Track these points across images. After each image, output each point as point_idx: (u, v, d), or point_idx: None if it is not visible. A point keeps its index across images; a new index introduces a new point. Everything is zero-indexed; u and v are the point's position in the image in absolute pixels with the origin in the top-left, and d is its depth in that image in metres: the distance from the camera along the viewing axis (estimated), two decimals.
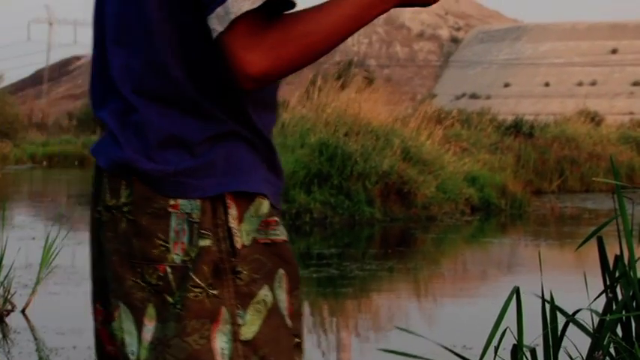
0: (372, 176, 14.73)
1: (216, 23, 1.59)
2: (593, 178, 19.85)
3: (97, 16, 1.79)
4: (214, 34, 1.59)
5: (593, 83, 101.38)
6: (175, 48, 1.67)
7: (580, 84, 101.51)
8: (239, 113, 1.70)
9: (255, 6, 1.59)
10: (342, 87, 17.25)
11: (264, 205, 1.70)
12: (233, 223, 1.67)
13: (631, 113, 79.46)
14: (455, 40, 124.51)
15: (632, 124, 33.78)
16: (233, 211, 1.68)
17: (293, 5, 1.64)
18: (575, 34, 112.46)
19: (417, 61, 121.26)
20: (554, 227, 15.08)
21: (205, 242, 1.66)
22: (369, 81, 19.79)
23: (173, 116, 1.68)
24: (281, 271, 1.71)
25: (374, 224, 14.31)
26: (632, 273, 3.71)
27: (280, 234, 1.72)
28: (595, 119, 31.41)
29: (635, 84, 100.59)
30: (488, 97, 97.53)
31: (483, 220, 15.67)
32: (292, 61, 1.62)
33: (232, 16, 1.57)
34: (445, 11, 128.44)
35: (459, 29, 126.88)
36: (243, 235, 1.68)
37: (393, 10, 1.79)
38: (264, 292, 1.68)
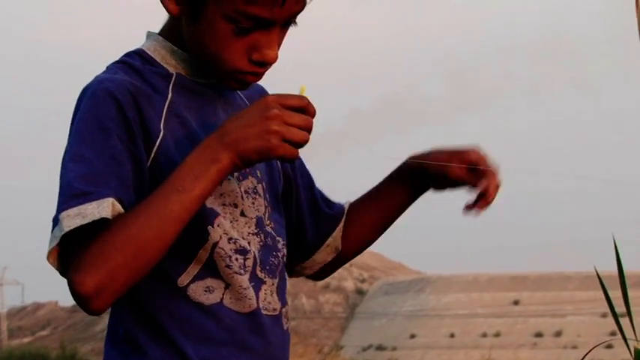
0: None
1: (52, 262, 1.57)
2: None
3: None
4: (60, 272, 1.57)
5: (497, 334, 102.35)
6: None
7: (484, 335, 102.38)
8: (169, 344, 1.65)
9: (62, 233, 1.53)
10: None
11: None
12: None
13: None
14: (360, 292, 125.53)
15: None
16: None
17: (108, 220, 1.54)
18: (478, 285, 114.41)
19: (322, 312, 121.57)
20: None
21: None
22: None
23: (115, 350, 1.67)
24: None
25: None
26: None
27: None
28: None
29: (538, 335, 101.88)
30: (394, 349, 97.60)
31: None
32: (126, 268, 1.53)
33: (51, 246, 1.55)
34: (350, 263, 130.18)
35: (363, 281, 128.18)
36: None
37: None
38: None
